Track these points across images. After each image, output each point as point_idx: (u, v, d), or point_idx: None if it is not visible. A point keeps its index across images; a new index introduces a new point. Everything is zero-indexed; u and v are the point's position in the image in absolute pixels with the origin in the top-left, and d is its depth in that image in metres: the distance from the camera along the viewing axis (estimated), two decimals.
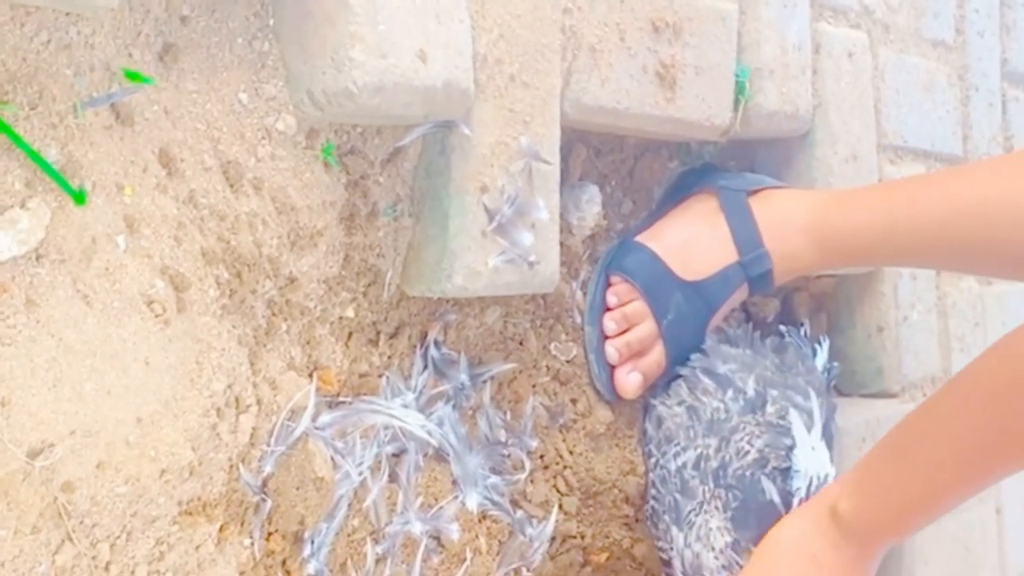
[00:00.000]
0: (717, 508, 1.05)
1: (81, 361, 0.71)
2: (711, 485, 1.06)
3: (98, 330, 0.72)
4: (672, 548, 1.08)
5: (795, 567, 0.98)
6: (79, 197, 0.70)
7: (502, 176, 0.95)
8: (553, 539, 1.08)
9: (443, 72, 0.86)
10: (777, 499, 1.04)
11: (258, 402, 0.84)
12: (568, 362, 1.11)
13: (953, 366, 1.48)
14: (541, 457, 1.09)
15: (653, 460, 1.12)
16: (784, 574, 0.98)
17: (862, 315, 1.39)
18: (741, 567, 1.03)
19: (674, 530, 1.08)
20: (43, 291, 0.70)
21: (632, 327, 1.11)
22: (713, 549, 1.03)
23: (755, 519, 1.04)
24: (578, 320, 1.12)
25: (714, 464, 1.07)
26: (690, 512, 1.06)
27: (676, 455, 1.09)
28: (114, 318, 0.73)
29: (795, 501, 1.05)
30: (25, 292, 0.69)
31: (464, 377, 1.02)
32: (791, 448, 1.09)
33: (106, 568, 0.74)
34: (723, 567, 1.04)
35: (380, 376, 0.95)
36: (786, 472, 1.07)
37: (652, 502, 1.11)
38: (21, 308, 0.69)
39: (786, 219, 1.13)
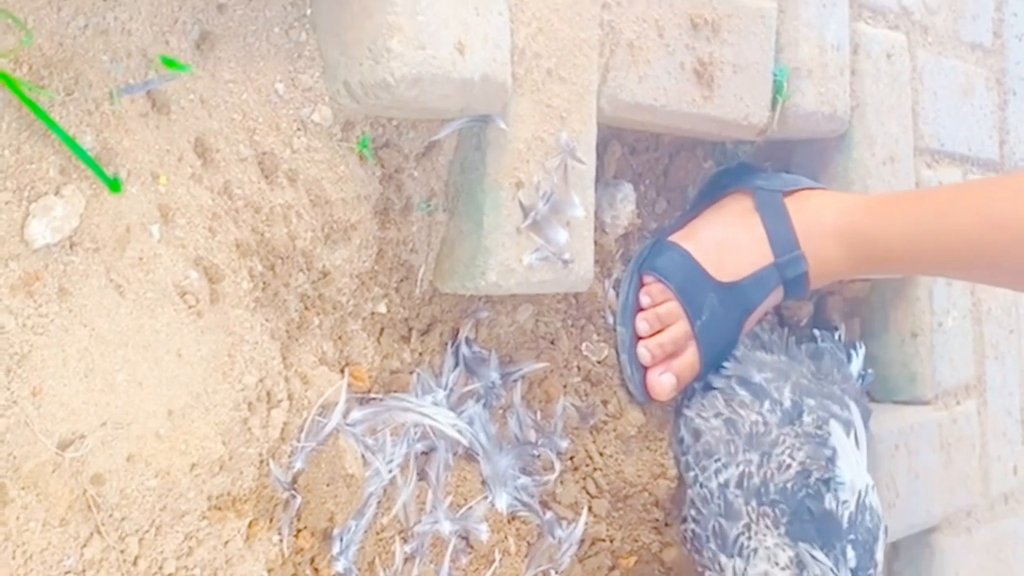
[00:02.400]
0: (767, 527, 1.01)
1: (113, 352, 0.70)
2: (755, 504, 1.03)
3: (131, 320, 0.71)
4: (724, 574, 1.04)
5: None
6: (114, 185, 0.69)
7: (538, 172, 0.93)
8: (582, 541, 1.07)
9: (481, 65, 0.84)
10: (834, 506, 1.01)
11: (289, 397, 0.82)
12: (599, 363, 1.10)
13: (987, 373, 1.46)
14: (571, 458, 1.07)
15: (692, 474, 1.09)
16: None
17: (896, 320, 1.37)
18: None
19: (723, 558, 1.03)
20: (76, 280, 0.69)
21: (665, 328, 1.09)
22: (778, 565, 1.00)
23: (813, 528, 1.01)
24: (610, 320, 1.10)
25: (756, 481, 1.04)
26: (739, 536, 1.03)
27: (718, 472, 1.06)
28: (147, 309, 0.72)
29: (845, 514, 1.02)
30: (58, 281, 0.68)
31: (495, 375, 1.00)
32: (831, 459, 1.06)
33: (135, 562, 0.73)
34: None
35: (411, 373, 0.94)
36: (828, 483, 1.04)
37: (692, 525, 1.07)
38: (54, 297, 0.68)
39: (820, 222, 1.11)
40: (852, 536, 1.03)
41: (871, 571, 1.01)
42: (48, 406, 0.67)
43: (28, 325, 0.66)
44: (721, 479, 1.05)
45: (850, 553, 1.02)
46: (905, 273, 1.27)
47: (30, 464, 0.67)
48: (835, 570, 0.99)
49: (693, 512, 1.06)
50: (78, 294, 0.69)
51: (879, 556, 1.04)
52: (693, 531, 1.06)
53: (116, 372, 0.70)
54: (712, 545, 1.04)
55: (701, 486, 1.06)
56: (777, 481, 1.03)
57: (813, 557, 0.98)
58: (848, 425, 1.10)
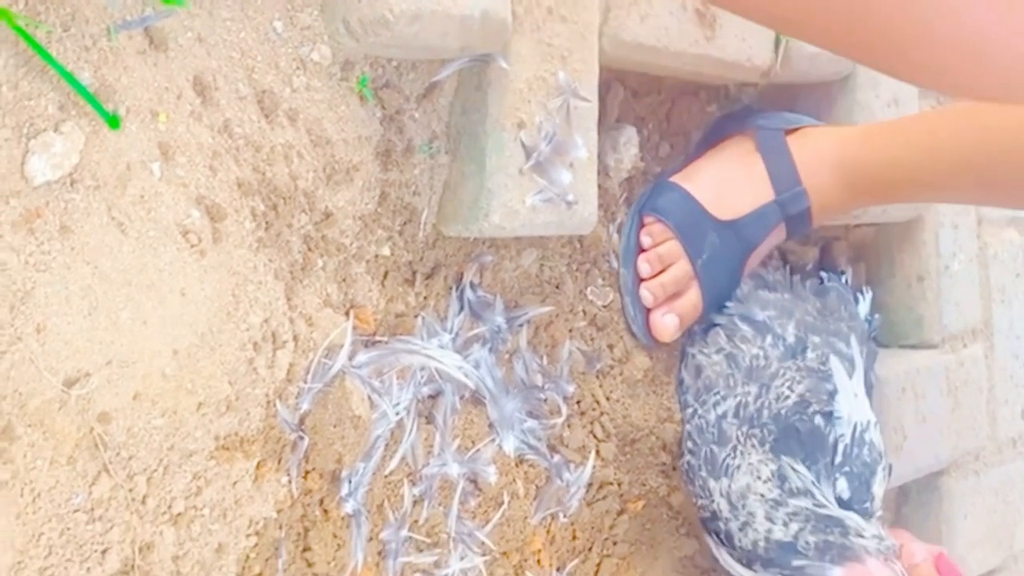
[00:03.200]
0: (753, 446, 1.02)
1: (117, 290, 0.70)
2: (746, 428, 1.03)
3: (133, 259, 0.71)
4: (711, 499, 1.05)
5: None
6: (114, 121, 0.69)
7: (540, 113, 0.93)
8: (590, 485, 1.07)
9: (481, 2, 0.84)
10: (821, 423, 1.01)
11: (295, 338, 0.82)
12: (605, 307, 1.09)
13: (994, 317, 1.46)
14: (578, 403, 1.07)
15: (691, 410, 1.09)
16: None
17: (902, 264, 1.36)
18: (807, 491, 1.00)
19: (711, 482, 1.04)
20: (77, 217, 0.68)
21: (667, 268, 1.09)
22: (760, 478, 1.00)
23: (797, 444, 1.02)
24: (615, 264, 1.10)
25: (752, 410, 1.04)
26: (725, 458, 1.03)
27: (716, 404, 1.06)
28: (149, 247, 0.72)
29: (840, 446, 1.02)
30: (59, 218, 0.68)
31: (500, 320, 1.00)
32: (832, 394, 1.06)
33: (143, 501, 0.73)
34: (784, 494, 1.00)
35: (416, 317, 0.94)
36: (828, 416, 1.05)
37: (688, 456, 1.08)
38: (55, 234, 0.67)
39: (819, 155, 1.10)
40: (847, 468, 1.03)
41: (867, 504, 1.02)
42: (52, 343, 0.67)
43: (30, 262, 0.66)
44: (719, 411, 1.05)
45: (842, 483, 1.02)
46: (903, 200, 1.26)
47: (36, 401, 0.67)
48: (816, 483, 0.99)
49: (689, 444, 1.07)
50: (80, 232, 0.68)
51: (876, 490, 1.05)
52: (688, 463, 1.07)
53: (120, 310, 0.70)
54: (702, 472, 1.04)
55: (699, 417, 1.07)
56: (773, 409, 1.03)
57: (794, 470, 0.99)
58: (851, 361, 1.10)
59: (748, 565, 1.01)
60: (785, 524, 0.99)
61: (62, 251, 0.68)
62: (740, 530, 1.01)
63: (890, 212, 1.30)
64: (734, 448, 1.03)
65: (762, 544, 0.99)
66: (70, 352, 0.68)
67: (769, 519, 0.99)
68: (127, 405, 0.71)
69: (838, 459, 1.03)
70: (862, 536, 0.96)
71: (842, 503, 1.00)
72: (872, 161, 1.06)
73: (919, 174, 1.04)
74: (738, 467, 1.02)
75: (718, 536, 1.04)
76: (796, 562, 0.98)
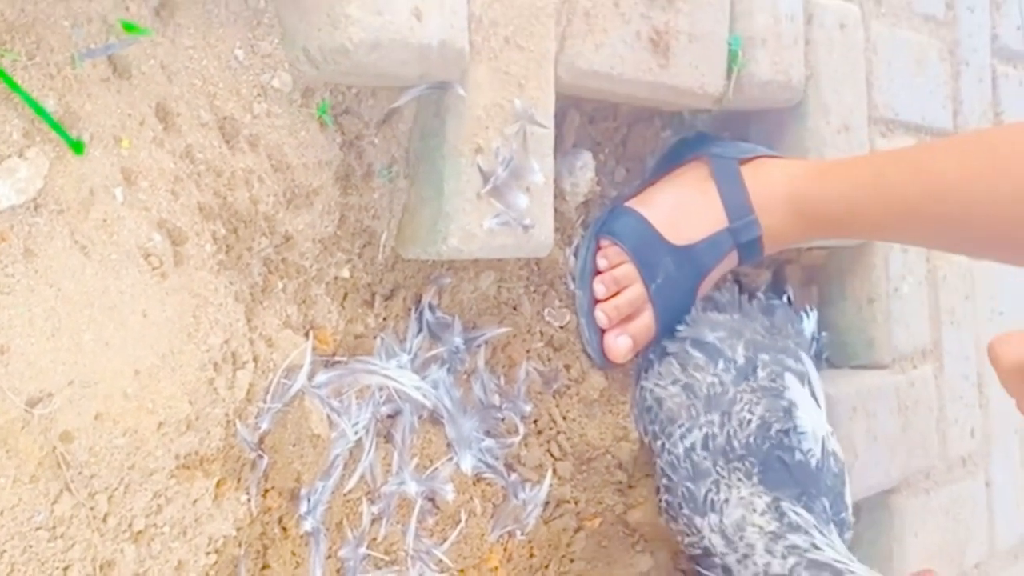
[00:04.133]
0: (740, 480, 1.03)
1: (79, 312, 0.72)
2: (723, 463, 1.05)
3: (96, 281, 0.72)
4: (701, 536, 1.05)
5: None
6: (77, 147, 0.70)
7: (497, 138, 0.95)
8: (547, 503, 1.09)
9: (438, 31, 0.86)
10: (801, 457, 1.04)
11: (255, 359, 0.84)
12: (562, 328, 1.12)
13: (943, 338, 1.49)
14: (535, 422, 1.09)
15: (659, 443, 1.10)
16: None
17: (853, 287, 1.40)
18: (798, 525, 1.01)
19: (697, 519, 1.05)
20: (41, 241, 0.70)
21: (621, 290, 1.11)
22: (756, 511, 1.02)
23: (788, 476, 1.04)
24: (571, 286, 1.12)
25: (721, 441, 1.06)
26: (707, 493, 1.05)
27: (682, 437, 1.08)
28: (112, 270, 0.73)
29: (812, 461, 1.04)
30: (23, 242, 0.69)
31: (459, 340, 1.02)
32: (788, 410, 1.08)
33: (104, 519, 0.74)
34: (781, 527, 1.01)
35: (375, 338, 0.96)
36: (788, 433, 1.06)
37: (665, 495, 1.09)
38: (19, 257, 0.69)
39: (771, 188, 1.13)
40: (822, 483, 1.05)
41: (843, 514, 1.04)
42: (16, 364, 0.68)
43: None
44: (687, 443, 1.07)
45: (824, 502, 1.05)
46: (852, 237, 1.30)
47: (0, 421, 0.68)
48: (816, 525, 1.01)
49: (664, 481, 1.09)
50: (43, 255, 0.70)
51: (848, 499, 1.08)
52: (667, 501, 1.08)
53: (83, 332, 0.72)
54: (685, 511, 1.06)
55: (668, 453, 1.08)
56: (740, 437, 1.05)
57: (796, 512, 1.00)
58: (803, 376, 1.12)
59: None
60: (784, 557, 1.00)
61: (26, 274, 0.69)
62: (739, 563, 1.03)
63: None
64: (716, 483, 1.05)
65: None
66: (33, 373, 0.69)
67: (769, 552, 1.01)
68: (89, 425, 0.72)
69: (814, 474, 1.06)
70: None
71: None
72: (822, 198, 1.09)
73: (867, 214, 1.07)
74: (726, 501, 1.04)
75: (713, 571, 1.05)
76: None
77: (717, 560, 1.04)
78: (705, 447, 1.06)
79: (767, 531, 1.01)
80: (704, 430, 1.07)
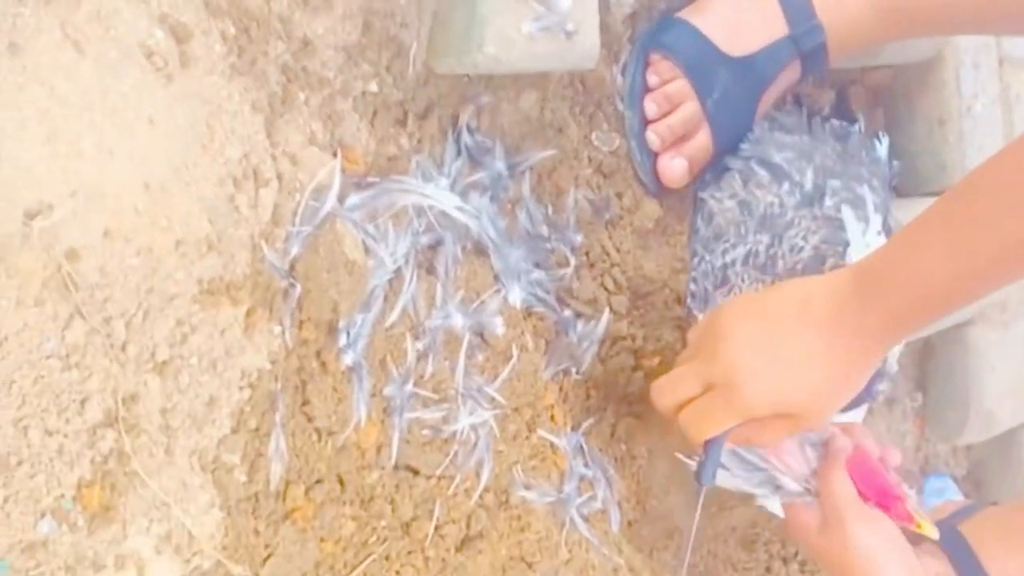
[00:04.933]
0: (753, 287, 0.97)
1: (77, 115, 0.64)
2: (754, 273, 0.98)
3: (94, 81, 0.65)
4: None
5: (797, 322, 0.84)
6: None
7: None
8: (603, 341, 1.01)
9: None
10: None
11: (278, 177, 0.77)
12: (611, 153, 1.03)
13: None
14: (587, 254, 1.02)
15: (697, 258, 1.04)
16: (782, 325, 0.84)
17: (922, 108, 1.29)
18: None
19: (700, 317, 1.00)
20: (28, 34, 0.62)
21: (675, 108, 1.02)
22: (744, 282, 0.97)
23: None
24: (620, 107, 1.04)
25: (763, 259, 0.99)
26: (718, 295, 0.99)
27: (724, 252, 1.01)
28: (110, 69, 0.66)
29: None
30: (7, 35, 0.62)
31: (501, 166, 0.94)
32: (848, 244, 1.00)
33: (123, 348, 0.68)
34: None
35: (410, 160, 0.88)
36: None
37: (688, 299, 1.04)
38: (3, 52, 0.61)
39: None
40: None
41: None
42: (8, 171, 0.61)
43: None
44: (727, 258, 1.00)
45: None
46: (935, 31, 1.18)
47: None
48: None
49: (692, 287, 1.03)
50: (31, 50, 0.62)
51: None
52: (688, 307, 1.03)
53: (82, 137, 0.64)
54: (696, 312, 1.01)
55: (705, 263, 1.02)
56: (788, 261, 0.98)
57: None
58: (871, 207, 1.04)
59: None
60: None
61: (12, 70, 0.62)
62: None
63: (908, 52, 1.23)
64: (731, 288, 0.99)
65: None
66: (29, 181, 0.62)
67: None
68: (97, 242, 0.66)
69: None
70: None
71: None
72: None
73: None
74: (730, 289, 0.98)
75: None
76: None
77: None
78: (745, 263, 0.99)
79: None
80: (749, 247, 0.99)
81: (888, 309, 0.79)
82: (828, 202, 1.02)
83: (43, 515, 0.65)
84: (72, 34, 0.64)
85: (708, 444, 0.86)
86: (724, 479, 0.92)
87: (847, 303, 0.81)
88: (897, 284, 0.79)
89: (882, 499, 0.86)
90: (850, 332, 0.80)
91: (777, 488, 0.92)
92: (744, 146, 1.05)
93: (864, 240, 1.02)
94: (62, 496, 0.66)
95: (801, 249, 0.99)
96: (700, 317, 0.99)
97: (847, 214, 1.01)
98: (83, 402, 0.66)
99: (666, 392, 0.88)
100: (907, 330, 0.82)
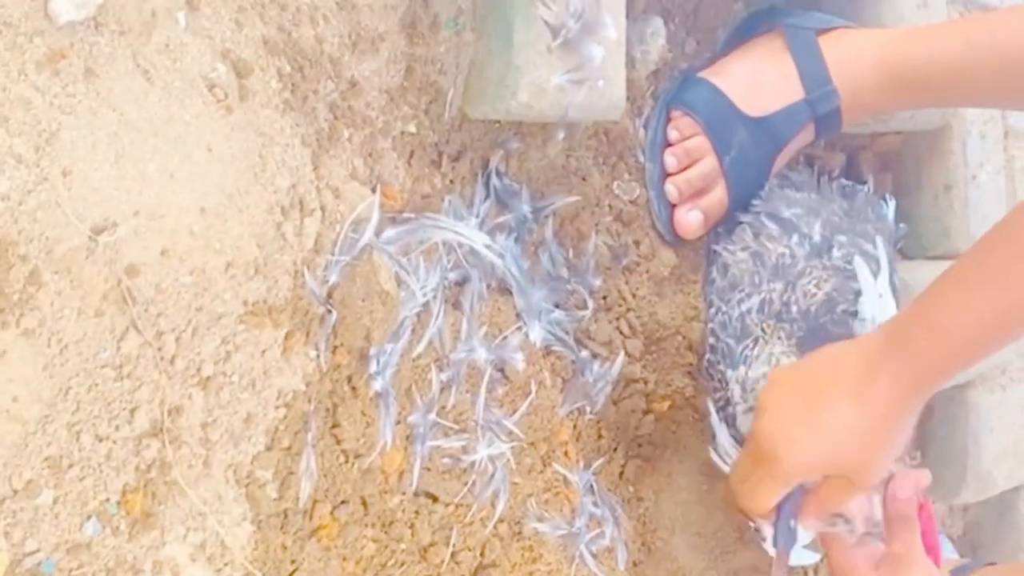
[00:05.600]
0: (780, 338, 1.01)
1: (144, 139, 0.68)
2: (772, 323, 1.02)
3: (160, 109, 0.69)
4: (727, 388, 1.03)
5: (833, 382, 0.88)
6: None
7: None
8: (616, 382, 1.05)
9: None
10: (851, 325, 1.00)
11: (322, 208, 0.81)
12: (631, 202, 1.07)
13: None
14: (604, 298, 1.05)
15: (714, 309, 1.08)
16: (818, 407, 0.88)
17: (929, 174, 1.34)
18: None
19: (728, 372, 1.03)
20: (103, 62, 0.67)
21: (693, 163, 1.07)
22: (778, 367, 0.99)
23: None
24: (641, 159, 1.08)
25: (777, 307, 1.03)
26: (743, 350, 1.02)
27: (740, 301, 1.05)
28: (176, 98, 0.70)
29: None
30: (84, 61, 0.66)
31: (526, 208, 0.98)
32: (859, 294, 1.04)
33: (172, 361, 0.72)
34: None
35: (442, 200, 0.92)
36: (854, 316, 1.03)
37: (708, 355, 1.07)
38: (80, 77, 0.66)
39: (859, 55, 1.08)
40: None
41: None
42: (79, 189, 0.65)
43: (55, 103, 0.64)
44: (743, 308, 1.04)
45: None
46: (947, 103, 1.23)
47: (63, 247, 0.65)
48: None
49: (711, 340, 1.06)
50: (105, 76, 0.67)
51: None
52: (708, 360, 1.06)
53: (147, 161, 0.68)
54: (720, 366, 1.03)
55: (723, 314, 1.06)
56: (801, 304, 1.02)
57: None
58: (877, 263, 1.08)
59: (740, 444, 1.01)
60: None
61: (87, 94, 0.66)
62: (744, 414, 1.01)
63: (917, 119, 1.27)
64: (755, 340, 1.02)
65: None
66: (97, 199, 0.66)
67: None
68: (155, 260, 0.69)
69: None
70: None
71: None
72: (922, 58, 1.03)
73: (973, 72, 1.01)
74: (757, 356, 1.01)
75: (722, 414, 1.03)
76: None
77: (731, 409, 1.02)
78: (761, 311, 1.03)
79: None
80: (763, 295, 1.03)
81: (914, 363, 0.83)
82: (836, 253, 1.06)
83: (89, 517, 0.68)
84: (143, 64, 0.68)
85: (778, 512, 0.91)
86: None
87: (875, 361, 0.85)
88: (921, 339, 0.83)
89: (931, 550, 0.91)
90: (881, 388, 0.84)
91: (847, 527, 0.94)
92: (755, 202, 1.09)
93: (876, 288, 1.06)
94: (107, 500, 0.69)
95: (814, 295, 1.03)
96: (726, 372, 1.03)
97: (859, 264, 1.05)
98: (132, 411, 0.70)
99: (732, 477, 0.94)
100: (935, 382, 0.86)
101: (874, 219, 1.15)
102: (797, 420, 0.87)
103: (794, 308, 1.01)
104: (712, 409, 1.04)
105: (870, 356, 0.86)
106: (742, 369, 1.02)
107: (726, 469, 1.01)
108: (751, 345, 1.01)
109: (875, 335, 0.88)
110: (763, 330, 1.01)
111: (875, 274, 1.07)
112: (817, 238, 1.06)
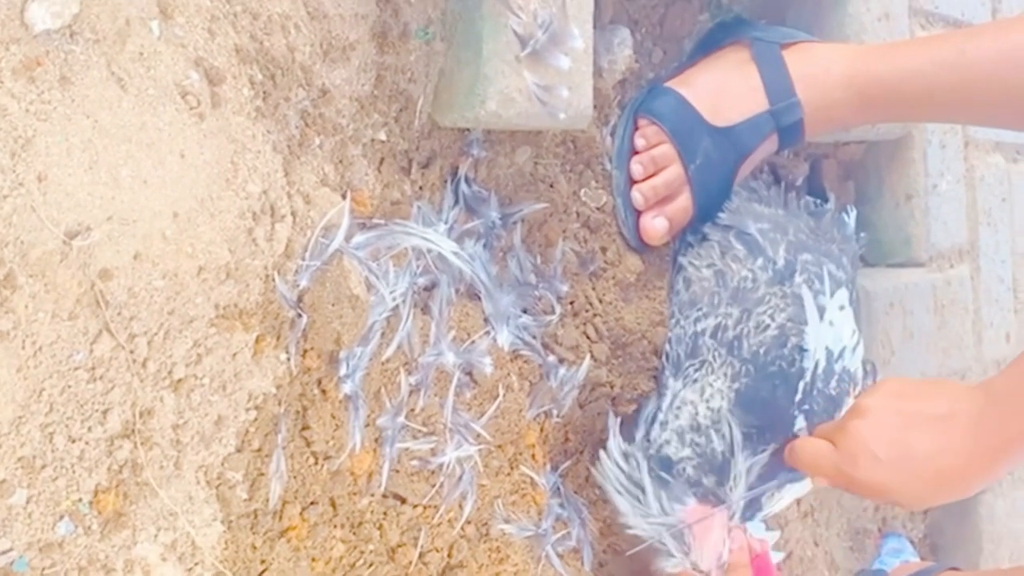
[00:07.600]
0: (725, 374, 1.03)
1: (117, 146, 0.69)
2: (723, 352, 1.05)
3: (133, 116, 0.70)
4: (664, 393, 1.07)
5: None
6: None
7: (535, 0, 0.92)
8: (583, 386, 1.07)
9: None
10: (792, 410, 1.03)
11: (293, 213, 0.82)
12: (598, 209, 1.09)
13: (980, 239, 1.47)
14: (571, 303, 1.07)
15: (674, 320, 1.10)
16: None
17: (891, 183, 1.37)
18: (723, 437, 1.02)
19: (670, 381, 1.07)
20: (78, 69, 0.68)
21: (659, 171, 1.09)
22: (707, 403, 1.03)
23: (760, 410, 1.03)
24: (608, 167, 1.10)
25: (731, 335, 1.05)
26: (690, 367, 1.06)
27: (697, 320, 1.07)
28: (149, 105, 0.71)
29: (800, 385, 1.03)
30: (60, 68, 0.67)
31: (495, 215, 1.00)
32: (807, 324, 1.07)
33: (144, 364, 0.73)
34: (708, 426, 1.02)
35: (411, 206, 0.94)
36: (799, 351, 1.05)
37: (663, 358, 1.10)
38: (56, 84, 0.67)
39: (827, 70, 1.10)
40: (806, 406, 1.04)
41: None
42: (54, 194, 0.66)
43: (31, 110, 0.65)
44: (699, 327, 1.07)
45: (800, 421, 1.04)
46: (914, 118, 1.26)
47: (38, 251, 0.66)
48: (736, 452, 1.02)
49: (667, 347, 1.09)
50: (80, 84, 0.68)
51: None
52: (661, 363, 1.09)
53: (120, 167, 0.70)
54: (667, 372, 1.07)
55: (680, 327, 1.09)
56: (752, 341, 1.04)
57: (731, 428, 1.02)
58: (838, 283, 1.10)
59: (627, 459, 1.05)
60: (683, 446, 1.03)
61: (62, 101, 0.67)
62: (660, 425, 1.05)
63: (880, 129, 1.30)
64: (702, 362, 1.05)
65: (656, 446, 1.03)
66: (71, 204, 0.67)
67: (679, 434, 1.03)
68: (128, 264, 0.71)
69: (797, 397, 1.04)
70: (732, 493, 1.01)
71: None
72: (891, 74, 1.05)
73: (941, 89, 1.04)
74: (695, 381, 1.05)
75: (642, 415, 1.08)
76: (665, 476, 1.02)
77: (657, 415, 1.07)
78: (714, 336, 1.06)
79: (695, 420, 1.03)
80: (719, 320, 1.06)
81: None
82: (798, 279, 1.08)
83: (62, 517, 0.69)
84: (117, 72, 0.69)
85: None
86: (640, 520, 1.00)
87: (988, 416, 0.87)
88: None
89: None
90: (991, 444, 0.87)
91: (685, 555, 0.99)
92: (723, 215, 1.11)
93: (827, 315, 1.08)
94: (80, 500, 0.70)
95: (767, 327, 1.05)
96: (668, 380, 1.07)
97: (805, 293, 1.07)
98: (105, 413, 0.71)
99: (807, 440, 0.97)
100: None
101: (839, 239, 1.17)
102: (889, 441, 0.89)
103: (745, 345, 1.03)
104: (612, 425, 1.07)
105: (982, 411, 0.88)
106: (680, 383, 1.05)
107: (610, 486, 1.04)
108: (697, 366, 1.05)
109: (998, 386, 0.90)
110: (713, 357, 1.05)
111: (834, 292, 1.09)
112: (781, 263, 1.08)
